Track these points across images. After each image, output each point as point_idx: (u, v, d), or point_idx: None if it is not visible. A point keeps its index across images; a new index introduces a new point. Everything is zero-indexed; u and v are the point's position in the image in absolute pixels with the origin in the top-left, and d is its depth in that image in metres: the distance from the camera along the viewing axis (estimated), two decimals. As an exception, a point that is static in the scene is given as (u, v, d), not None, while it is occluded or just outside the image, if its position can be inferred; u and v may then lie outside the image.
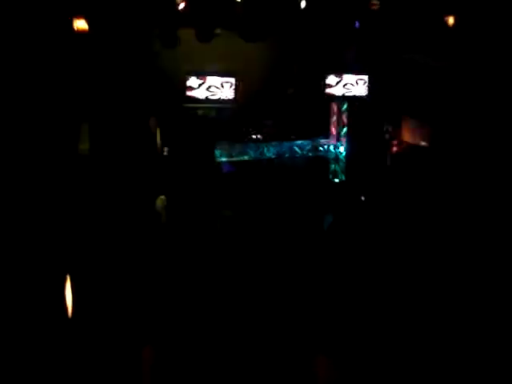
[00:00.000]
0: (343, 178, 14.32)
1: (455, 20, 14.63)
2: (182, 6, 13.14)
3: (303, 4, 13.54)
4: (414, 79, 13.95)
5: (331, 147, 14.24)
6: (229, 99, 12.64)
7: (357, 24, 14.55)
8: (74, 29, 12.73)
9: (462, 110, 13.08)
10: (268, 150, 13.71)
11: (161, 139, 12.96)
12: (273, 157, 13.77)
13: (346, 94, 13.60)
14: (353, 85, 13.62)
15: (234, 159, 13.52)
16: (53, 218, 9.94)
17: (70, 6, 12.53)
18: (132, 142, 12.71)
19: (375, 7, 14.44)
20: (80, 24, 12.84)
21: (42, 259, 9.05)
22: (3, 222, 9.37)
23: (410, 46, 14.27)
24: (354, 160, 14.18)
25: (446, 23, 14.65)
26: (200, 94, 12.39)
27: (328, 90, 13.46)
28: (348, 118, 14.16)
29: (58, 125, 11.95)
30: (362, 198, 12.77)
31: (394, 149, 14.07)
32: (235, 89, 12.75)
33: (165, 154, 12.89)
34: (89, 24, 12.84)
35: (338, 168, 14.36)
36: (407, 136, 14.22)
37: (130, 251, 9.89)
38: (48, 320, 7.93)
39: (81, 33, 12.88)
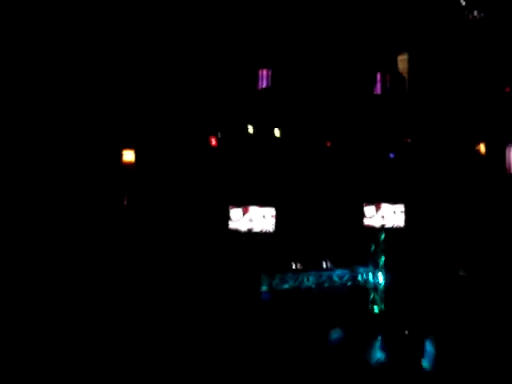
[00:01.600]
0: (383, 307, 14.22)
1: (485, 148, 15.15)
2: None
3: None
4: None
5: (370, 277, 14.26)
6: (269, 230, 12.87)
7: (391, 155, 15.10)
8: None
9: None
10: (307, 280, 13.77)
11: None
12: (312, 286, 13.80)
13: (384, 225, 13.78)
14: (390, 215, 13.83)
15: (274, 288, 13.56)
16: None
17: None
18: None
19: (408, 141, 15.06)
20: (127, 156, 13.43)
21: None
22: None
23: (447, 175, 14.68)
24: (393, 290, 14.14)
25: (478, 151, 15.19)
26: (242, 225, 12.65)
27: (367, 221, 13.67)
28: (386, 247, 14.27)
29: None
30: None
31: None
32: (275, 220, 12.99)
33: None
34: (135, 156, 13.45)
35: (377, 297, 14.30)
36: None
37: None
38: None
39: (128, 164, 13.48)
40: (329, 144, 14.47)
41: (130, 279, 12.27)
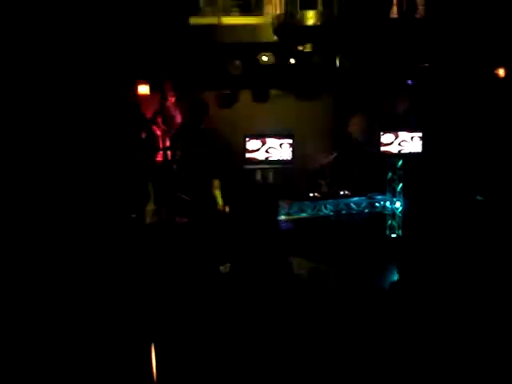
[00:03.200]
0: (400, 233, 14.40)
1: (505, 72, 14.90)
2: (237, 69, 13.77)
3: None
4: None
5: (387, 203, 14.39)
6: (287, 160, 12.95)
7: (409, 81, 14.93)
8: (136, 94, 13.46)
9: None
10: (325, 208, 13.95)
11: (222, 198, 13.38)
12: (330, 214, 13.98)
13: (402, 151, 13.77)
14: (408, 142, 13.80)
15: (292, 217, 13.78)
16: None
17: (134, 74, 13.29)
18: (195, 201, 13.18)
19: (426, 65, 14.83)
20: (142, 89, 13.53)
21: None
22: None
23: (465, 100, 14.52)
24: (411, 215, 14.27)
25: (496, 75, 14.92)
26: (260, 155, 12.74)
27: (383, 148, 13.66)
28: (403, 174, 14.31)
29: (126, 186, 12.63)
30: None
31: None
32: (293, 149, 13.05)
33: (226, 212, 13.28)
34: (150, 89, 13.53)
35: (394, 223, 14.46)
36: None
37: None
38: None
39: (143, 97, 13.59)
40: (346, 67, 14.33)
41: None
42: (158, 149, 13.47)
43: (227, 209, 13.30)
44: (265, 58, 14.00)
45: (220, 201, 13.36)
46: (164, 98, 13.82)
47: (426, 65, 14.94)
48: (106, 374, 8.14)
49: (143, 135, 13.47)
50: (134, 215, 12.73)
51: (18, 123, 12.05)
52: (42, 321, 9.39)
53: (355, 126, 14.90)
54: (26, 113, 12.13)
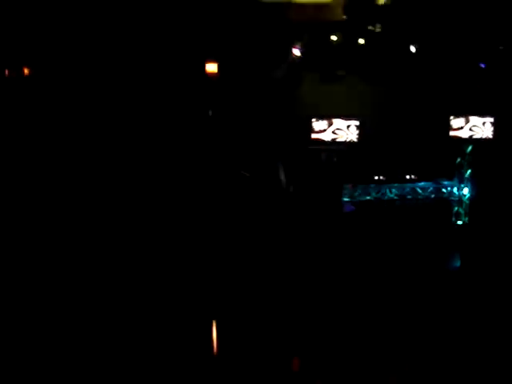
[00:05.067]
0: (466, 220, 14.03)
1: None
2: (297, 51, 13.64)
3: (414, 48, 13.73)
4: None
5: (455, 189, 14.03)
6: (353, 141, 12.80)
7: (483, 65, 14.46)
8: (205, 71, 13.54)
9: None
10: (390, 191, 13.72)
11: (286, 178, 13.34)
12: (395, 198, 13.74)
13: (472, 136, 13.39)
14: (479, 127, 13.40)
15: (356, 199, 13.62)
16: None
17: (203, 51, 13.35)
18: (260, 181, 13.21)
19: (501, 48, 14.32)
20: (211, 67, 13.59)
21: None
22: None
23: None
24: (479, 202, 13.89)
25: None
26: (326, 136, 12.63)
27: (453, 133, 13.32)
28: (473, 160, 13.91)
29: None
30: None
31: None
32: (359, 131, 12.88)
33: (290, 191, 13.25)
34: (218, 68, 13.57)
35: (461, 210, 14.10)
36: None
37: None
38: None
39: (212, 76, 13.64)
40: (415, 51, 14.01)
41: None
42: (225, 127, 13.52)
43: (291, 188, 13.26)
44: (334, 38, 13.82)
45: (284, 180, 13.33)
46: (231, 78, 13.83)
47: (501, 47, 14.43)
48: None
49: (210, 113, 13.56)
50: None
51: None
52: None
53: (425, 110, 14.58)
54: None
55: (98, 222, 11.71)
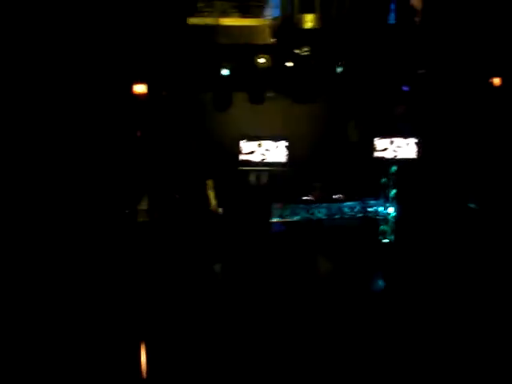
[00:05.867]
0: (392, 238, 14.43)
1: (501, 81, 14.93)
2: (225, 72, 13.74)
3: (339, 69, 14.07)
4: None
5: (380, 208, 14.41)
6: (281, 162, 12.99)
7: (405, 87, 14.95)
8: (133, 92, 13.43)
9: None
10: (318, 211, 13.96)
11: (216, 200, 13.36)
12: (323, 217, 14.00)
13: (396, 157, 13.82)
14: (402, 147, 13.85)
15: (285, 219, 13.80)
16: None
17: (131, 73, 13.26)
18: (188, 202, 13.17)
19: (422, 72, 14.88)
20: (139, 88, 13.50)
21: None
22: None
23: (459, 110, 14.57)
24: (404, 221, 14.32)
25: (491, 84, 14.95)
26: (255, 157, 12.77)
27: (378, 154, 13.71)
28: (397, 179, 14.36)
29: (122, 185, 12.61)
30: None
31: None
32: (288, 152, 13.09)
33: (219, 213, 13.26)
34: (147, 89, 13.50)
35: (387, 229, 14.50)
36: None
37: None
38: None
39: (140, 97, 13.55)
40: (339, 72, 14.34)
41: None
42: (153, 148, 13.43)
43: (220, 210, 13.29)
44: (262, 61, 13.99)
45: (213, 201, 13.34)
46: (160, 98, 13.78)
47: (423, 71, 14.97)
48: (94, 372, 8.13)
49: (138, 134, 13.44)
50: (127, 211, 12.70)
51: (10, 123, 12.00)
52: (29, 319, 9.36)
53: (351, 131, 14.94)
54: (18, 112, 12.08)
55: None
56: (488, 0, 14.18)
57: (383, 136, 13.82)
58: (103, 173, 12.41)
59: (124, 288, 10.56)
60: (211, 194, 13.34)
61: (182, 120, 13.87)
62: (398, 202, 14.42)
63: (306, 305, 10.91)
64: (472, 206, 14.55)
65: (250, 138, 12.96)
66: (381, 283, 12.28)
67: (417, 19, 14.37)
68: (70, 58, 12.48)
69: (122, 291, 10.45)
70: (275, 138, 13.09)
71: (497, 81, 14.99)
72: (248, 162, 12.87)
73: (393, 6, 14.25)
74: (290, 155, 13.24)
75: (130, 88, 13.29)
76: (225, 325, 9.79)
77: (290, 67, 14.32)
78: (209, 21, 14.16)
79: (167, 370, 8.46)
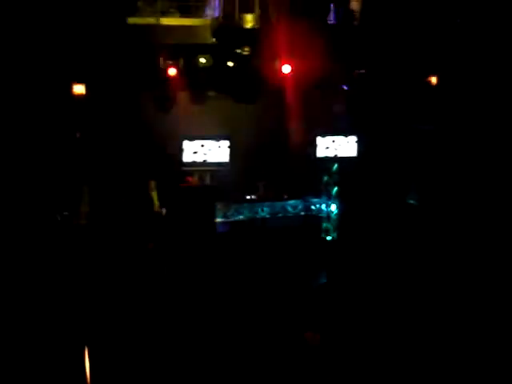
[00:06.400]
0: (335, 236, 14.64)
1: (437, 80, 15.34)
2: (172, 71, 13.65)
3: (288, 69, 14.17)
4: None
5: (323, 206, 14.60)
6: (224, 162, 13.01)
7: (345, 87, 15.18)
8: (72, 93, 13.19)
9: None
10: (262, 210, 14.04)
11: (158, 200, 13.26)
12: (267, 216, 14.08)
13: (337, 155, 14.03)
14: (343, 146, 14.07)
15: (229, 219, 13.81)
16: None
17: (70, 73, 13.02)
18: (130, 203, 13.02)
19: (362, 72, 15.14)
20: (78, 89, 13.27)
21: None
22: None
23: (397, 109, 14.91)
24: (346, 218, 14.54)
25: (429, 83, 15.35)
26: (198, 157, 12.75)
27: (320, 152, 13.89)
28: (339, 177, 14.57)
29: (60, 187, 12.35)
30: None
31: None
32: (230, 151, 13.12)
33: (162, 214, 13.17)
34: (86, 89, 13.27)
35: (329, 226, 14.70)
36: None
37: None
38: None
39: (78, 97, 13.31)
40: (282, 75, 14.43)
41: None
42: (94, 149, 13.22)
43: (164, 211, 13.20)
44: (203, 60, 13.95)
45: (156, 202, 13.24)
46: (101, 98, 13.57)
47: (362, 71, 15.24)
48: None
49: (78, 135, 13.21)
50: (66, 213, 12.47)
51: None
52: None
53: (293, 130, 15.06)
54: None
55: None
56: (424, 4, 14.54)
57: (325, 134, 13.99)
58: (39, 174, 12.15)
59: (59, 293, 10.34)
60: (154, 195, 13.23)
61: (124, 121, 13.69)
62: (340, 199, 14.64)
63: (249, 302, 10.93)
64: (412, 202, 14.91)
65: (193, 138, 12.90)
66: (324, 279, 12.42)
67: (355, 19, 14.61)
68: (7, 58, 12.17)
69: (57, 296, 10.23)
70: (218, 138, 13.07)
71: (434, 79, 15.41)
72: (191, 163, 12.81)
73: (332, 6, 14.45)
74: (232, 155, 13.24)
75: (69, 88, 13.07)
76: (165, 324, 9.73)
77: (230, 67, 14.34)
78: (149, 20, 14.02)
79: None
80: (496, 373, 8.25)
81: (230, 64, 14.24)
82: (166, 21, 14.16)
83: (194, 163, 12.90)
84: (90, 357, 8.71)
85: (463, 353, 8.85)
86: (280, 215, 14.20)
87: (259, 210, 14.04)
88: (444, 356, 8.82)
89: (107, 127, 13.37)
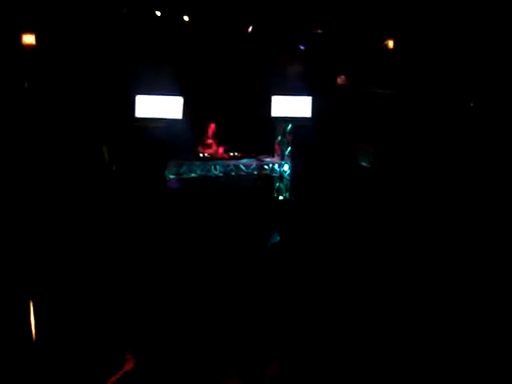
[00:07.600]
0: (287, 196, 14.76)
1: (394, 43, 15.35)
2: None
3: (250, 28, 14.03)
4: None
5: (276, 166, 14.65)
6: (178, 119, 12.88)
7: (302, 47, 15.10)
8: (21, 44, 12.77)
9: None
10: (215, 168, 14.00)
11: (108, 157, 13.08)
12: (219, 175, 14.06)
13: (291, 116, 14.01)
14: (298, 106, 14.04)
15: (182, 176, 13.75)
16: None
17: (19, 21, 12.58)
18: (80, 158, 12.82)
19: (319, 32, 15.06)
20: (28, 39, 12.85)
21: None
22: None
23: (353, 70, 14.93)
24: (299, 178, 14.65)
25: (386, 47, 15.37)
26: (150, 113, 12.58)
27: (274, 112, 13.84)
28: (292, 137, 14.61)
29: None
30: None
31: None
32: (184, 108, 12.98)
33: (113, 170, 13.01)
34: (36, 39, 12.86)
35: (282, 186, 14.80)
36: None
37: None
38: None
39: (28, 48, 12.91)
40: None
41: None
42: (42, 104, 12.90)
43: (114, 167, 13.04)
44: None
45: (107, 158, 13.07)
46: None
47: (320, 31, 15.15)
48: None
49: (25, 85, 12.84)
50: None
51: None
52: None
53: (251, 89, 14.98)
54: None
55: None
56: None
57: (279, 94, 13.93)
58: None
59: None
60: (105, 151, 13.04)
61: (76, 74, 13.36)
62: (293, 159, 14.71)
63: (203, 262, 10.97)
64: (364, 164, 15.06)
65: (145, 94, 12.70)
66: (277, 238, 12.55)
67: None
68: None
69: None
70: (171, 94, 12.90)
71: (390, 43, 15.42)
72: (143, 119, 12.65)
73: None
74: (186, 111, 13.10)
75: (18, 38, 12.65)
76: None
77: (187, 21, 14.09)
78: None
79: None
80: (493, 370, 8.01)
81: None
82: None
83: (146, 119, 12.68)
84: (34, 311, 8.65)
85: (424, 320, 8.88)
86: (233, 174, 14.17)
87: (212, 168, 13.99)
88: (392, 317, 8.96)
89: (58, 81, 13.03)
